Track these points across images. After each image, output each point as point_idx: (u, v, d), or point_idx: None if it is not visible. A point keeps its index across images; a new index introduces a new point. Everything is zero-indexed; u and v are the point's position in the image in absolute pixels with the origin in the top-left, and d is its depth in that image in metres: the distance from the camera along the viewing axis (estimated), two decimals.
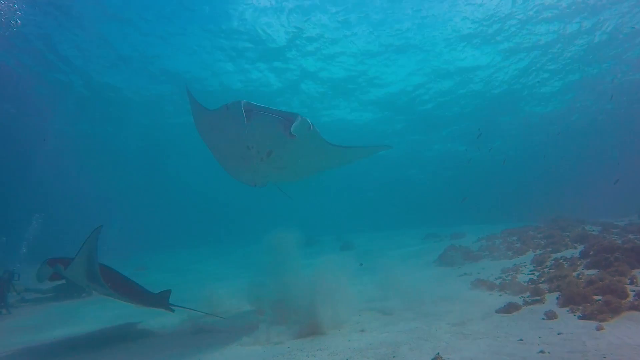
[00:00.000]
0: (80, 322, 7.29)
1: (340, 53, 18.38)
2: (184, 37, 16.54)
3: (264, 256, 6.84)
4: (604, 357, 3.24)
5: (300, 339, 4.77)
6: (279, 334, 4.99)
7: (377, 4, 15.28)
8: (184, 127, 23.47)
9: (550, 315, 4.41)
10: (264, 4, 14.95)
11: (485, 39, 17.54)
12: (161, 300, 5.61)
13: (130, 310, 5.86)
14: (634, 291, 4.63)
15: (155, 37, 16.32)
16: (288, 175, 6.41)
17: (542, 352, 3.49)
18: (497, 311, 4.95)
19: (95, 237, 4.40)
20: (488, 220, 20.83)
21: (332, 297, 5.27)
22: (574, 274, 5.84)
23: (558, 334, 3.91)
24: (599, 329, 3.87)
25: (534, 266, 7.16)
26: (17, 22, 13.50)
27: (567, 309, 4.60)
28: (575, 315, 4.37)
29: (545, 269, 6.74)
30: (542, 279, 6.09)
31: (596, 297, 4.61)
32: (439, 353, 3.69)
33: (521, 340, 3.87)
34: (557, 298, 4.99)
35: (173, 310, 5.67)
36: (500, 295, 5.78)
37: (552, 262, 6.96)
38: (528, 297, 5.31)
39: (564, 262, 6.66)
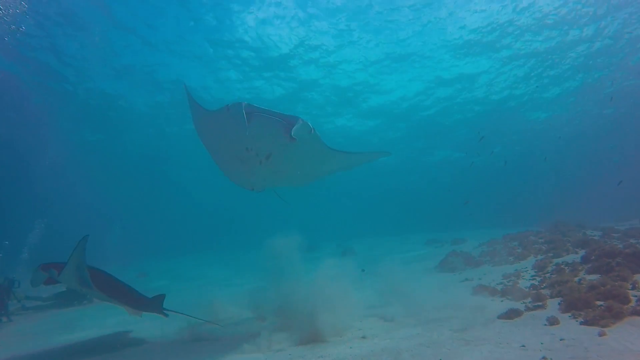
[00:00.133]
0: (80, 330, 7.26)
1: (341, 61, 18.51)
2: (186, 46, 16.69)
3: (266, 262, 6.83)
4: None
5: (302, 346, 4.75)
6: (281, 341, 4.96)
7: (377, 12, 15.40)
8: (186, 134, 23.57)
9: (552, 321, 4.39)
10: (266, 14, 15.11)
11: (486, 45, 17.63)
12: (155, 304, 5.58)
13: (130, 317, 5.84)
14: (635, 296, 4.62)
15: (158, 45, 16.47)
16: (286, 179, 6.32)
17: (544, 358, 3.47)
18: (499, 317, 4.92)
19: (82, 246, 4.57)
20: (489, 225, 20.82)
21: (334, 304, 5.26)
22: (576, 279, 5.83)
23: (560, 339, 3.90)
24: (601, 334, 3.85)
25: (535, 271, 7.15)
26: (21, 27, 13.60)
27: (569, 314, 4.58)
28: (577, 321, 4.36)
29: (547, 274, 6.72)
30: (544, 285, 6.08)
31: (598, 303, 4.60)
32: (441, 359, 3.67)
33: (523, 346, 3.85)
34: (558, 304, 4.98)
35: (167, 315, 5.63)
36: (501, 301, 5.76)
37: (554, 267, 6.95)
38: (530, 302, 5.30)
39: (566, 267, 6.64)
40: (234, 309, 7.06)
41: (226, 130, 5.26)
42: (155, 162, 30.13)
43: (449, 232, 19.72)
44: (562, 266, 6.76)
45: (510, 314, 4.87)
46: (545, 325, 4.39)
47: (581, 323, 4.27)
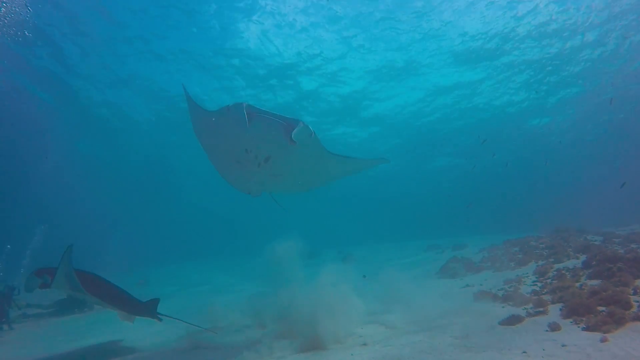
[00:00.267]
0: (81, 337, 7.25)
1: (340, 69, 18.60)
2: (190, 55, 16.81)
3: (267, 269, 6.82)
4: None
5: (303, 354, 4.74)
6: (282, 349, 4.94)
7: (376, 21, 15.52)
8: (189, 143, 23.58)
9: (554, 327, 4.37)
10: (267, 24, 15.27)
11: (486, 52, 17.72)
12: (149, 308, 5.57)
13: (129, 325, 5.83)
14: (637, 302, 4.60)
15: (161, 54, 16.60)
16: (284, 184, 6.25)
17: None
18: (500, 323, 4.90)
19: (68, 256, 4.69)
20: (489, 231, 20.77)
21: (335, 310, 5.25)
22: (577, 284, 5.80)
23: (562, 345, 3.88)
24: (603, 340, 3.84)
25: (536, 277, 7.12)
26: (26, 33, 13.75)
27: (571, 320, 4.56)
28: (579, 327, 4.34)
29: (548, 280, 6.69)
30: (545, 290, 6.05)
31: (600, 308, 4.58)
32: None
33: (525, 352, 3.83)
34: (560, 309, 4.95)
35: (161, 320, 5.62)
36: (503, 307, 5.73)
37: (555, 272, 6.93)
38: (531, 308, 5.27)
39: (567, 273, 6.61)
40: (234, 315, 7.05)
41: (226, 131, 5.22)
42: (157, 169, 30.18)
43: (449, 238, 19.66)
44: (564, 272, 6.73)
45: (512, 320, 4.86)
46: (547, 331, 4.37)
47: (583, 329, 4.25)
